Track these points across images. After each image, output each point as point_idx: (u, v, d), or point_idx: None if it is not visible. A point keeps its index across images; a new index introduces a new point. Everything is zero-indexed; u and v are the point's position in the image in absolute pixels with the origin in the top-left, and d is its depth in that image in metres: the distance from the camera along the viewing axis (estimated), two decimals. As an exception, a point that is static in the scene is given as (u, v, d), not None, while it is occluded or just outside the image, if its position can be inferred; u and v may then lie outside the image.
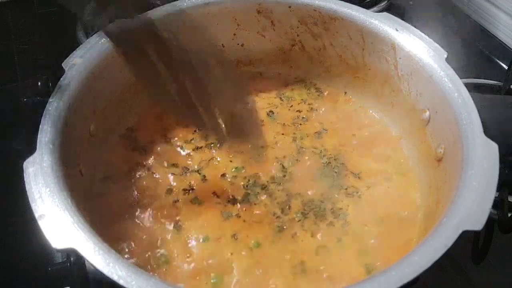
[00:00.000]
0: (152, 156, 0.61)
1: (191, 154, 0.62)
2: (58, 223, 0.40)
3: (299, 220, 0.54)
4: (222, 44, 0.68)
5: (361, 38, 0.62)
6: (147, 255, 0.50)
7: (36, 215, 0.41)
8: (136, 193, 0.56)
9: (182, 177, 0.59)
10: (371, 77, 0.64)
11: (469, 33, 0.93)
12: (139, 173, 0.59)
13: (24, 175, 0.44)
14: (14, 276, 0.59)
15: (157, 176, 0.58)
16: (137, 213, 0.54)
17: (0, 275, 0.59)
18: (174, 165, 0.60)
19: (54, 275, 0.56)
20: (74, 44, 0.58)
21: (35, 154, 0.45)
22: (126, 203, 0.55)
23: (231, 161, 0.60)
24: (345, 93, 0.68)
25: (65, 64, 0.53)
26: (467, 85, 0.52)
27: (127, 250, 0.51)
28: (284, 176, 0.58)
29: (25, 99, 0.80)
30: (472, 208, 0.41)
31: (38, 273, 0.58)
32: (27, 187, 0.43)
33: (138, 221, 0.54)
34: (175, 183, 0.58)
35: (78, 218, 0.41)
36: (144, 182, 0.58)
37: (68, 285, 0.55)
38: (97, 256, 0.39)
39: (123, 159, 0.60)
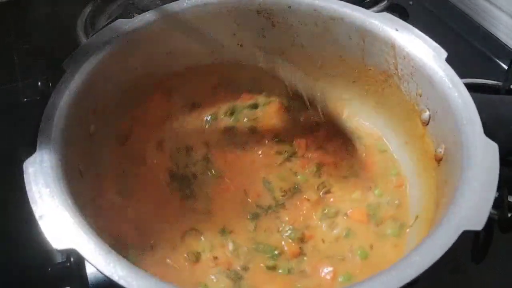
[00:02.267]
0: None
1: None
2: (58, 223, 0.40)
3: None
4: (222, 45, 0.68)
5: (361, 38, 0.61)
6: None
7: (36, 215, 0.41)
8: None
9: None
10: (371, 77, 0.64)
11: (469, 33, 0.93)
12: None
13: (24, 175, 0.44)
14: (14, 276, 0.59)
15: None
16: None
17: (0, 275, 0.59)
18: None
19: (54, 275, 0.56)
20: (74, 44, 0.58)
21: (35, 154, 0.45)
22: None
23: None
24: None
25: (65, 64, 0.53)
26: (467, 85, 0.51)
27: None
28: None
29: (25, 99, 0.80)
30: (473, 208, 0.41)
31: (38, 273, 0.58)
32: (27, 187, 0.43)
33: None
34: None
35: (78, 218, 0.41)
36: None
37: (68, 285, 0.54)
38: (98, 257, 0.39)
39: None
